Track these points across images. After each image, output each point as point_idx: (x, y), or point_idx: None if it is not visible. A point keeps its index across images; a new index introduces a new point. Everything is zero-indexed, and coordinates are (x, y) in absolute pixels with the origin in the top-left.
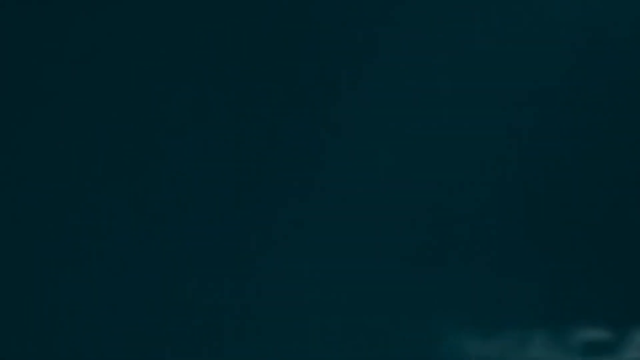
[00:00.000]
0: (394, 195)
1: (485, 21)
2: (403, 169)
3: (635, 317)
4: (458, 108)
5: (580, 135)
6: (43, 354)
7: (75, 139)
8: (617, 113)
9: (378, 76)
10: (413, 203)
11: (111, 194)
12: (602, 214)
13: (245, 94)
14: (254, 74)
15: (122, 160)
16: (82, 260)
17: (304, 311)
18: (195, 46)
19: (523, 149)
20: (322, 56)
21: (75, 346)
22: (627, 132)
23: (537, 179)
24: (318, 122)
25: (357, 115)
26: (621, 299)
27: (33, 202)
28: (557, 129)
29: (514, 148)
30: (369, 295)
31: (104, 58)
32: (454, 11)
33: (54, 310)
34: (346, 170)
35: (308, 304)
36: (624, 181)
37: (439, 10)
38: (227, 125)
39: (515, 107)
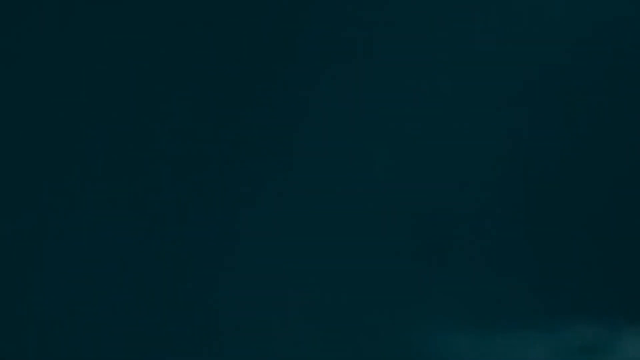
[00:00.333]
0: (393, 194)
1: (484, 20)
2: (402, 169)
3: (635, 317)
4: (459, 107)
5: (580, 135)
6: (43, 353)
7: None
8: (617, 113)
9: (377, 76)
10: (411, 202)
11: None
12: (603, 214)
13: (243, 93)
14: (251, 74)
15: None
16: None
17: (304, 311)
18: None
19: (522, 149)
20: (317, 56)
21: (72, 346)
22: (627, 132)
23: (537, 179)
24: (318, 121)
25: (357, 115)
26: (621, 298)
27: (33, 202)
28: (557, 129)
29: (514, 148)
30: (368, 295)
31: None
32: (453, 10)
33: (54, 310)
34: (345, 170)
35: (308, 303)
36: (624, 181)
37: (438, 9)
38: (226, 124)
39: (514, 107)
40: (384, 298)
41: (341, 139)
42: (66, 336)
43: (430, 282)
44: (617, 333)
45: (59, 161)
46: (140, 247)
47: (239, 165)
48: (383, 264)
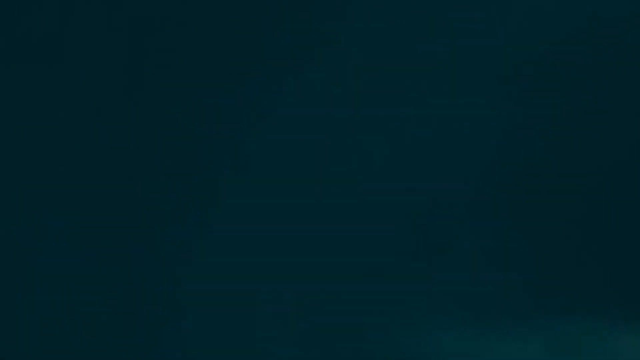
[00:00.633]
0: (392, 194)
1: (481, 18)
2: (402, 169)
3: (632, 315)
4: (459, 107)
5: (580, 135)
6: (43, 353)
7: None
8: (615, 113)
9: (377, 76)
10: (411, 202)
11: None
12: (600, 211)
13: (243, 93)
14: (251, 74)
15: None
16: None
17: (303, 309)
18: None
19: (521, 149)
20: (317, 55)
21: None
22: (626, 132)
23: (535, 179)
24: (318, 121)
25: (356, 115)
26: (618, 297)
27: (32, 202)
28: (557, 129)
29: (512, 148)
30: (367, 293)
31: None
32: (452, 9)
33: (53, 309)
34: (345, 170)
35: (306, 301)
36: (624, 181)
37: (438, 9)
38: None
39: (514, 107)
40: (383, 297)
41: (341, 139)
42: (60, 336)
43: (428, 281)
44: (614, 331)
45: (48, 158)
46: (132, 247)
47: (240, 165)
48: (382, 263)
